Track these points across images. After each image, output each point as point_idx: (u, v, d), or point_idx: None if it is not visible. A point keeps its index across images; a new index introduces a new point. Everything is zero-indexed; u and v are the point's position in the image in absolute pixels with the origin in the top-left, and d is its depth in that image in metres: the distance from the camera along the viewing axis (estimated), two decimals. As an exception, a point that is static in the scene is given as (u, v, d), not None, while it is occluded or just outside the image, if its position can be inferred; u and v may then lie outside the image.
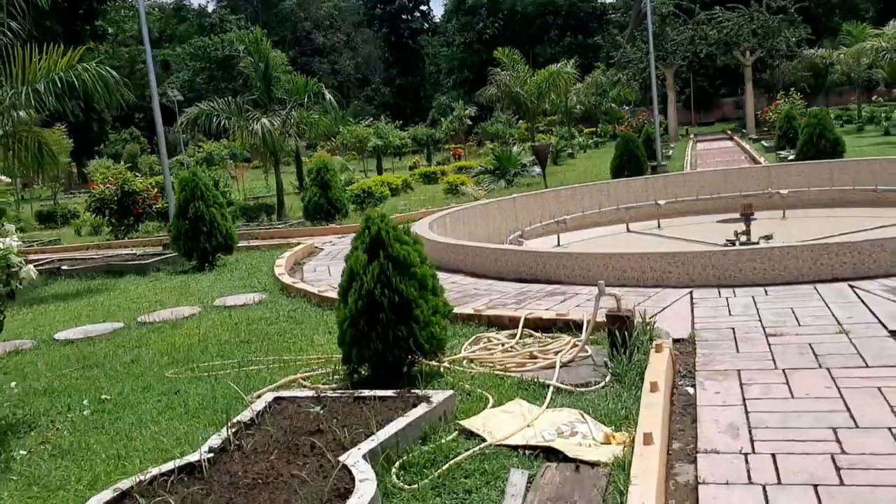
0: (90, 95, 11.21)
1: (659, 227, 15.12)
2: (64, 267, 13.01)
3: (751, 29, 38.26)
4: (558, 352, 5.89)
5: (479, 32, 73.44)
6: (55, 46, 11.14)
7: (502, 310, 7.19)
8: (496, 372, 5.69)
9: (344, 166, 24.75)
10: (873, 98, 45.46)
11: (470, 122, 43.21)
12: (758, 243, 11.56)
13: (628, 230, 15.04)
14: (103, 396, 6.12)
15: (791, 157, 20.55)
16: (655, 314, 6.70)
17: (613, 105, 44.80)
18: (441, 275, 9.79)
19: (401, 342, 5.38)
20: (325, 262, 11.99)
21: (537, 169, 22.78)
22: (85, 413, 5.80)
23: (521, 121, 45.98)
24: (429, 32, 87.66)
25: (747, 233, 11.74)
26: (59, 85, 10.91)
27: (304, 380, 5.95)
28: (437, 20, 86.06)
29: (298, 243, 13.53)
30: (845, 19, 47.18)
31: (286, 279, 9.99)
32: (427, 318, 5.47)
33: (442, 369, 5.84)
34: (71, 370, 7.02)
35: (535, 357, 5.86)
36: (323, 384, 5.78)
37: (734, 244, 11.68)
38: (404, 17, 79.71)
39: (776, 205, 14.98)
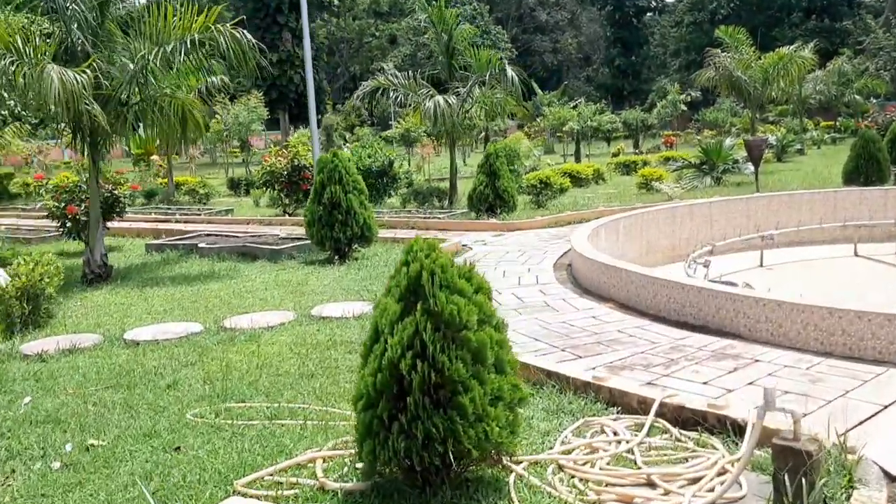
0: (227, 59, 10.21)
1: (898, 253, 11.92)
2: (202, 245, 12.32)
3: None
4: (695, 480, 3.78)
5: (711, 12, 67.86)
6: (199, 6, 10.25)
7: (632, 384, 5.07)
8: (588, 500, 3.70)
9: (530, 151, 22.81)
10: None
11: (685, 108, 39.44)
12: None
13: (856, 254, 11.98)
14: (91, 442, 4.84)
15: None
16: (865, 421, 4.34)
17: (858, 97, 39.02)
18: (585, 302, 7.86)
19: (435, 443, 3.54)
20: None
21: (751, 166, 19.59)
22: (55, 465, 4.53)
23: (746, 109, 41.52)
24: (656, 11, 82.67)
25: None
26: (194, 46, 9.99)
27: (322, 461, 4.27)
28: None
29: (444, 239, 11.89)
30: None
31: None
32: (481, 409, 3.58)
33: (514, 476, 3.94)
34: (100, 388, 5.87)
35: (654, 484, 3.78)
36: (337, 477, 4.08)
37: None
38: (630, -7, 75.61)
39: None
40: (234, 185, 23.67)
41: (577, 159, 30.96)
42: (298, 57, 61.08)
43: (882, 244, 12.30)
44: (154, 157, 24.46)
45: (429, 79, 18.05)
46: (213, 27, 9.98)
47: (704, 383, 5.18)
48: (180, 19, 10.04)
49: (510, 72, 16.61)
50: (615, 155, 31.60)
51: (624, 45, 73.16)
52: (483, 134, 41.65)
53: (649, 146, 38.96)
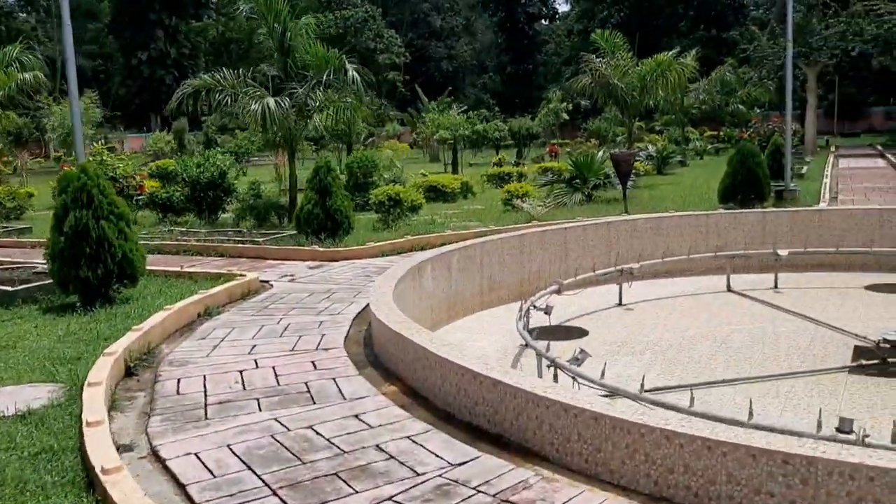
0: None
1: (776, 287, 10.33)
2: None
3: (920, 25, 31.56)
4: None
5: (601, 21, 67.73)
6: None
7: None
8: None
9: (392, 162, 20.64)
10: None
11: (567, 116, 38.19)
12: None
13: (729, 288, 10.32)
14: None
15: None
16: None
17: (741, 106, 38.71)
18: (359, 387, 5.47)
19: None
20: (246, 322, 7.90)
21: (629, 181, 18.03)
22: None
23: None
24: (548, 19, 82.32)
25: (924, 333, 6.91)
26: None
27: None
28: (560, 5, 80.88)
29: (242, 275, 9.51)
30: None
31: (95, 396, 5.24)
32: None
33: None
34: None
35: None
36: None
37: (898, 349, 6.92)
38: (522, 0, 74.82)
39: (961, 270, 9.92)
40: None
41: (455, 170, 29.04)
42: (171, 56, 57.30)
43: (759, 275, 10.71)
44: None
45: (267, 79, 15.67)
46: None
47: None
48: None
49: (351, 71, 14.42)
50: (497, 165, 29.87)
51: (516, 52, 72.34)
52: (372, 139, 39.39)
53: (535, 155, 37.57)
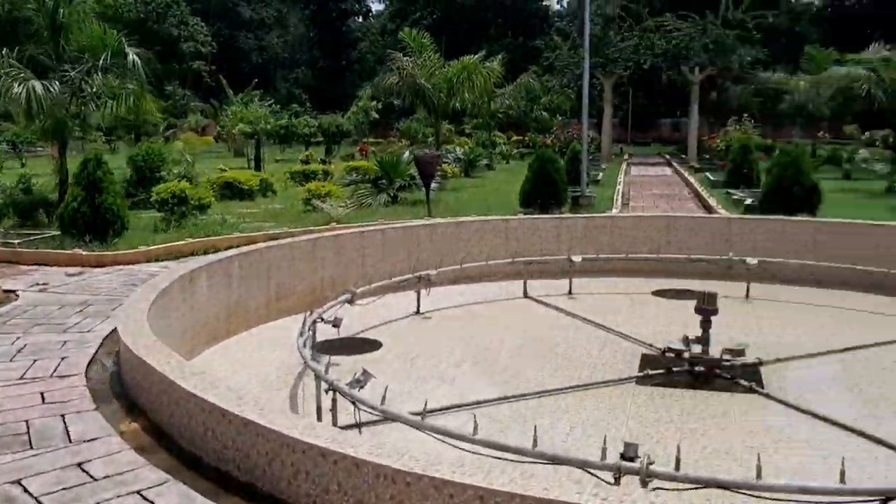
0: None
1: (570, 292, 10.32)
2: None
3: (703, 43, 34.01)
4: None
5: (413, 21, 68.08)
6: None
7: None
8: None
9: (182, 156, 19.17)
10: (819, 133, 41.94)
11: (377, 115, 37.85)
12: (721, 363, 6.83)
13: (526, 294, 10.18)
14: None
15: (749, 200, 16.09)
16: None
17: (545, 113, 40.11)
18: (92, 425, 4.52)
19: None
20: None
21: (434, 183, 17.79)
22: None
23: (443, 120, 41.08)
24: (362, 16, 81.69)
25: (704, 340, 6.95)
26: None
27: None
28: (373, 3, 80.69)
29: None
30: (793, 45, 43.58)
31: None
32: None
33: None
34: None
35: None
36: None
37: (680, 356, 6.93)
38: (335, -4, 73.84)
39: (737, 275, 10.35)
40: None
41: (258, 166, 27.72)
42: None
43: (555, 280, 10.67)
44: None
45: (30, 61, 13.86)
46: None
47: None
48: None
49: (132, 55, 13.04)
50: (305, 162, 28.85)
51: (328, 47, 71.16)
52: (173, 131, 36.92)
53: (346, 154, 36.85)
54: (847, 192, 20.63)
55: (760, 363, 7.09)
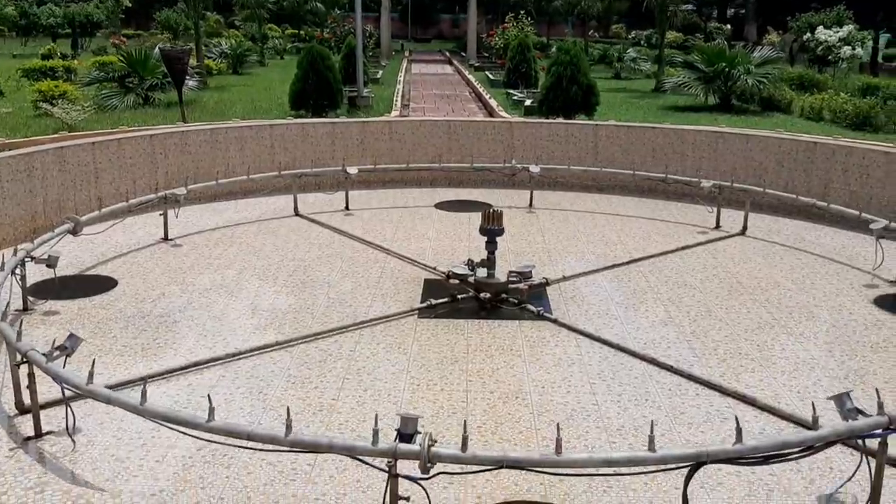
0: None
1: (347, 208, 9.34)
2: None
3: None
4: None
5: None
6: None
7: None
8: None
9: None
10: (589, 32, 43.19)
11: (129, 4, 33.76)
12: (507, 287, 6.21)
13: (297, 212, 9.06)
14: None
15: (529, 101, 15.76)
16: None
17: (321, 5, 37.78)
18: None
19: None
20: None
21: (192, 81, 15.81)
22: None
23: (211, 11, 37.49)
24: None
25: (489, 263, 6.29)
26: None
27: None
28: None
29: None
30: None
31: None
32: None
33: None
34: None
35: None
36: None
37: (465, 282, 6.24)
38: None
39: (521, 183, 9.90)
40: None
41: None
42: None
43: (331, 195, 9.64)
44: None
45: None
46: None
47: None
48: None
49: None
50: (46, 57, 25.01)
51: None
52: None
53: (99, 47, 32.66)
54: (618, 91, 21.09)
55: (547, 283, 6.60)
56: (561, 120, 11.55)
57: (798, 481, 3.81)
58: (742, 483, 3.78)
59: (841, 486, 3.73)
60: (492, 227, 6.25)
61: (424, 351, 5.30)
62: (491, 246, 6.27)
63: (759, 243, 8.00)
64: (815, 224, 8.67)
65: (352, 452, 3.38)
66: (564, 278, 6.80)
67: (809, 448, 3.36)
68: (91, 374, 3.88)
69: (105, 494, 3.65)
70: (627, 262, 7.29)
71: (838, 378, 4.96)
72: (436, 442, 3.28)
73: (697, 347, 5.40)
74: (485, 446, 4.08)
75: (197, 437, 3.59)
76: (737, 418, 3.32)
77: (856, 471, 3.69)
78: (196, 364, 5.01)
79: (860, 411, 3.60)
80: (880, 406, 3.49)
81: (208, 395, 3.59)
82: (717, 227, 8.53)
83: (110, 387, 4.62)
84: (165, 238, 7.88)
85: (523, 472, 3.64)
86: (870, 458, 3.58)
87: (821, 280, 6.90)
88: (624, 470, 3.43)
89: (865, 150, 8.65)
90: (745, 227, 8.34)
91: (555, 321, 5.82)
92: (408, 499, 3.29)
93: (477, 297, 6.16)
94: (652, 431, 3.24)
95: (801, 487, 3.77)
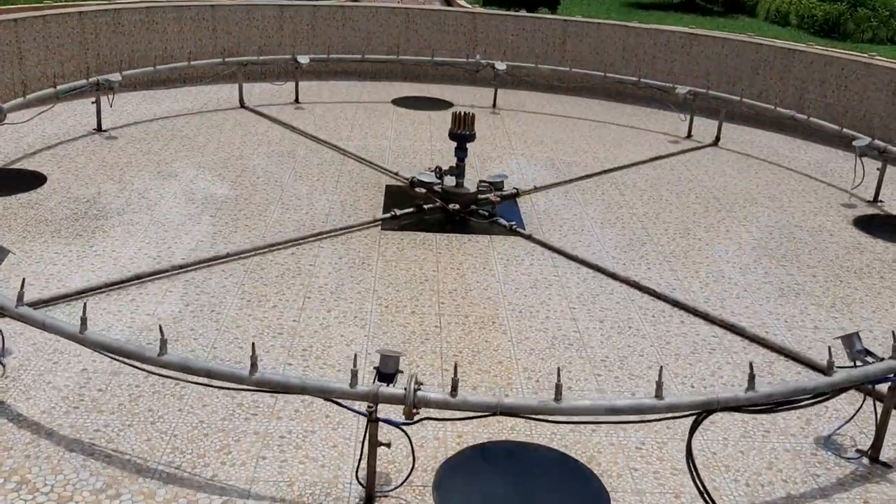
0: None
1: (297, 101, 8.68)
2: None
3: None
4: None
5: None
6: None
7: None
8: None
9: None
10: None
11: None
12: (477, 198, 5.78)
13: (242, 103, 8.37)
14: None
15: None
16: None
17: None
18: None
19: None
20: None
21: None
22: None
23: None
24: None
25: (459, 171, 5.85)
26: None
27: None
28: None
29: None
30: None
31: None
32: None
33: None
34: None
35: None
36: None
37: (432, 190, 5.79)
38: None
39: (483, 81, 9.33)
40: None
41: None
42: None
43: (279, 85, 8.91)
44: None
45: None
46: None
47: None
48: None
49: None
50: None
51: None
52: None
53: None
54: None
55: (517, 194, 6.21)
56: (528, 13, 10.86)
57: (794, 421, 3.62)
58: (736, 423, 3.56)
59: (839, 427, 3.55)
60: (463, 132, 5.77)
61: (391, 268, 4.89)
62: (461, 153, 5.82)
63: (732, 155, 7.71)
64: (788, 136, 8.41)
65: (328, 395, 3.01)
66: (536, 189, 6.41)
67: (822, 394, 3.13)
68: (21, 296, 3.37)
69: (41, 430, 3.21)
70: (600, 173, 6.93)
71: (825, 306, 4.76)
72: (422, 384, 2.93)
73: (679, 269, 5.13)
74: (463, 378, 3.76)
75: (149, 372, 3.16)
76: (751, 364, 3.04)
77: (856, 412, 3.52)
78: (139, 277, 4.52)
79: (869, 352, 3.39)
80: (894, 350, 3.26)
81: (160, 327, 3.13)
82: (689, 136, 8.19)
83: (44, 301, 4.15)
84: (99, 129, 7.17)
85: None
86: (876, 401, 3.39)
87: (798, 198, 6.67)
88: (631, 418, 3.15)
89: (847, 60, 8.31)
90: (717, 138, 8.02)
91: (528, 237, 5.46)
92: (388, 444, 2.95)
93: (444, 209, 5.73)
94: (660, 378, 2.94)
95: (797, 428, 3.57)
